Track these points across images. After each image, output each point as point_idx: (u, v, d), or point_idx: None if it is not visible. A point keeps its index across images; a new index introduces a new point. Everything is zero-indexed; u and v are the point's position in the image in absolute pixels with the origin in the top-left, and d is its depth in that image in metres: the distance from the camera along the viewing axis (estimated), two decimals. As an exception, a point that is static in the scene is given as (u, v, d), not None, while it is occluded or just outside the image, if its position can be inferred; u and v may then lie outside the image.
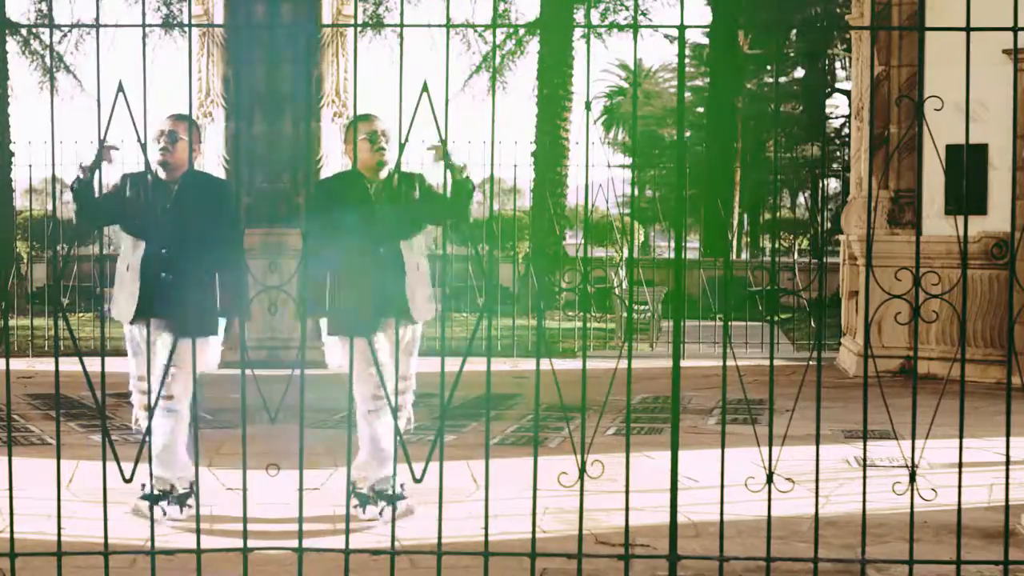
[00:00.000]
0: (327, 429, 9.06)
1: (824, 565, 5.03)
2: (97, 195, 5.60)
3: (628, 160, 54.91)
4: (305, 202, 6.20)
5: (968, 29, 4.44)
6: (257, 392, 4.51)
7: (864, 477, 4.59)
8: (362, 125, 6.13)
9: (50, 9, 6.87)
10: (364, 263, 6.05)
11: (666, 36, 41.82)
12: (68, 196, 6.13)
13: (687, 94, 45.78)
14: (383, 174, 6.20)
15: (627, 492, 4.57)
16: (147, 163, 4.94)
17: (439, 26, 4.58)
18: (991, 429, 8.46)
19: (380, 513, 6.22)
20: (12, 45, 27.25)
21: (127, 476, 4.83)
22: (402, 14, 4.40)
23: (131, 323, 6.10)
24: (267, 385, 4.59)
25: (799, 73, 41.15)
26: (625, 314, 15.96)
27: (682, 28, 4.44)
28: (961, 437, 4.52)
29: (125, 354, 6.36)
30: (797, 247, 24.85)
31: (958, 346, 7.32)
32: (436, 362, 5.25)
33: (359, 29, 4.62)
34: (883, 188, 12.68)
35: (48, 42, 23.96)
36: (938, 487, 5.30)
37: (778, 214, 43.64)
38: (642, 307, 17.34)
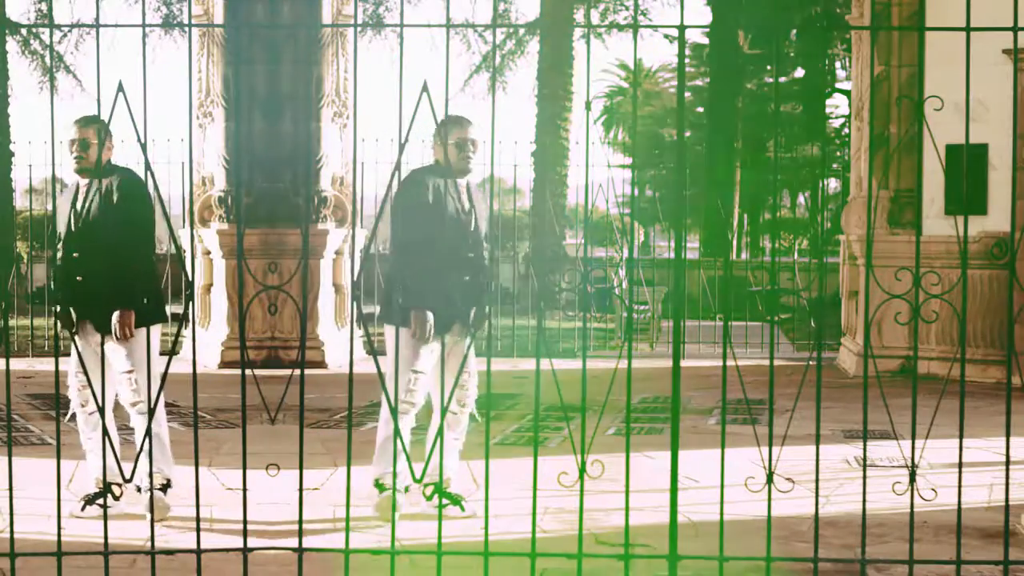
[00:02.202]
0: (327, 429, 9.06)
1: (824, 565, 5.03)
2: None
3: (628, 160, 54.90)
4: (397, 190, 6.21)
5: (968, 29, 4.44)
6: (257, 392, 4.51)
7: (864, 477, 4.59)
8: (456, 131, 6.21)
9: (50, 9, 6.89)
10: (456, 263, 6.17)
11: (666, 36, 41.80)
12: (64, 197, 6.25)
13: (687, 94, 45.78)
14: (462, 182, 6.30)
15: (627, 492, 4.57)
16: (147, 163, 4.94)
17: (439, 26, 4.58)
18: (991, 429, 8.46)
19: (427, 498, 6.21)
20: (12, 45, 27.24)
21: (127, 476, 4.83)
22: (402, 14, 4.40)
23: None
24: (267, 385, 4.59)
25: (799, 73, 41.13)
26: (625, 314, 15.97)
27: (682, 28, 4.44)
28: (961, 437, 4.52)
29: None
30: (797, 247, 24.83)
31: (958, 346, 7.31)
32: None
33: (359, 29, 4.62)
34: (883, 188, 12.68)
35: (48, 42, 23.95)
36: (938, 487, 5.30)
37: (778, 214, 43.64)
38: (642, 307, 17.33)
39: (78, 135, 6.15)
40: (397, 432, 4.74)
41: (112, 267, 6.04)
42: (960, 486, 4.54)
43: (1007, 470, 4.67)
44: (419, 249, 6.14)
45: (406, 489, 6.17)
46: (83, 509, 6.18)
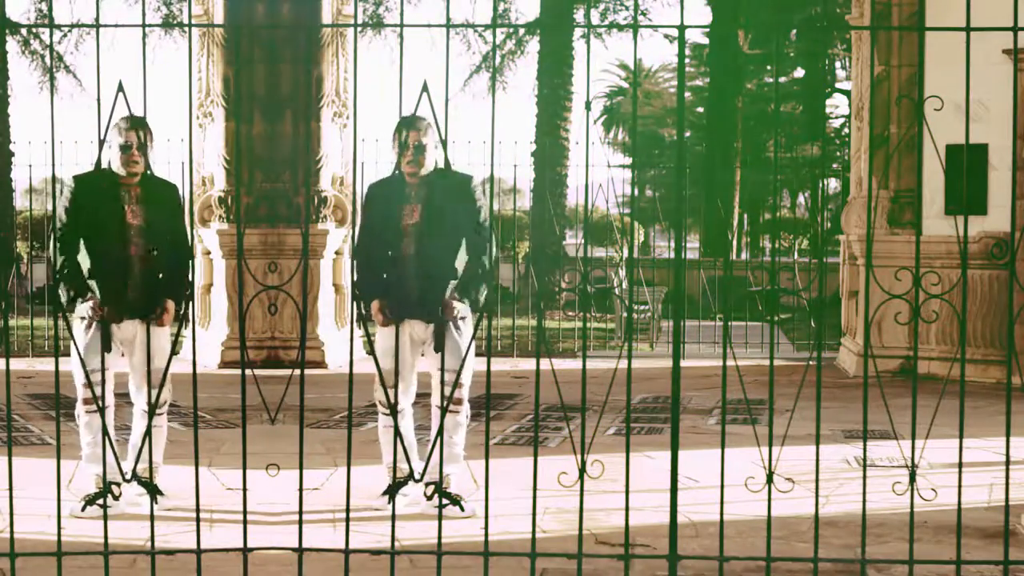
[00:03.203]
0: (327, 429, 9.06)
1: (824, 565, 5.03)
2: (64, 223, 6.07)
3: (628, 160, 54.89)
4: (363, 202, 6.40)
5: (968, 29, 4.44)
6: (257, 392, 4.51)
7: (864, 477, 4.59)
8: (400, 132, 6.17)
9: (50, 9, 6.88)
10: (390, 260, 6.18)
11: (666, 36, 41.77)
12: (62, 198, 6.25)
13: (687, 94, 45.78)
14: (424, 172, 6.25)
15: (627, 492, 4.57)
16: (147, 163, 4.95)
17: (439, 26, 4.58)
18: (991, 429, 8.46)
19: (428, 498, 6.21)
20: (12, 45, 27.25)
21: (127, 476, 4.83)
22: (402, 14, 4.40)
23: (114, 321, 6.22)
24: (267, 385, 4.60)
25: (799, 73, 41.15)
26: (625, 314, 15.96)
27: (682, 28, 4.44)
28: (961, 437, 4.52)
29: (122, 355, 6.39)
30: (797, 247, 24.85)
31: (958, 346, 7.32)
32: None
33: (359, 29, 4.62)
34: (883, 188, 12.68)
35: (48, 42, 23.97)
36: (938, 487, 5.30)
37: (778, 214, 43.65)
38: (642, 307, 17.34)
39: (134, 138, 6.10)
40: (397, 432, 4.75)
41: (180, 262, 6.25)
42: (960, 486, 4.54)
43: (1007, 470, 4.67)
44: (363, 252, 6.24)
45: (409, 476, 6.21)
46: (83, 509, 6.18)
